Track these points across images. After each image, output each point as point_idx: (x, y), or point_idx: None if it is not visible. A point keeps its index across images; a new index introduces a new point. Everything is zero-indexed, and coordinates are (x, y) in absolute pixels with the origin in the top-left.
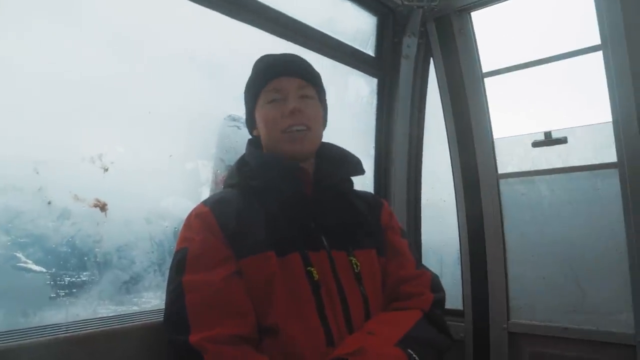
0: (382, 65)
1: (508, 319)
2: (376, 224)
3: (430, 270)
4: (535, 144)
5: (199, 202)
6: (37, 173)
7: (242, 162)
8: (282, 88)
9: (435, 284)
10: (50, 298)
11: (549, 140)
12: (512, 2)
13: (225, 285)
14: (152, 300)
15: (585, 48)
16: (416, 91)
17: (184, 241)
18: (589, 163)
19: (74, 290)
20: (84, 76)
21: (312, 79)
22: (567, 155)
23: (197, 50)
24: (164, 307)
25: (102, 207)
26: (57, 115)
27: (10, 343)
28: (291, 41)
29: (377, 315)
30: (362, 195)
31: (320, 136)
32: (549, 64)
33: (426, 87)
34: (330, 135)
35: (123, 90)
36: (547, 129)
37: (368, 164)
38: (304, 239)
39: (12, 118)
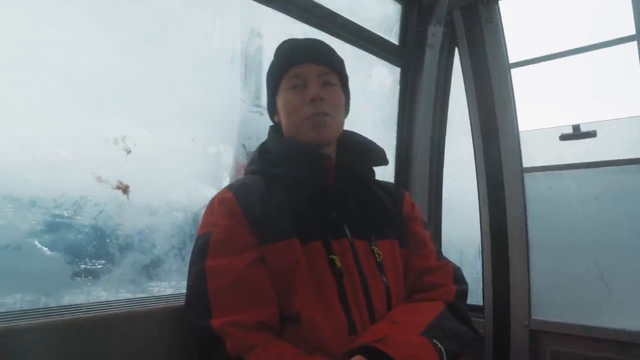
0: (405, 54)
1: (529, 316)
2: (398, 215)
3: (452, 262)
4: (563, 137)
5: (219, 187)
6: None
7: (264, 149)
8: (303, 74)
9: (458, 276)
10: (72, 278)
11: (577, 133)
12: None
13: (248, 271)
14: (172, 283)
15: (618, 38)
16: (440, 81)
17: (207, 226)
18: (619, 158)
19: (95, 272)
20: (110, 61)
21: (334, 65)
22: (595, 149)
23: (219, 34)
24: (185, 290)
25: (125, 190)
26: (82, 97)
27: (32, 321)
28: (314, 26)
29: (401, 305)
30: (384, 185)
31: (342, 123)
32: (579, 55)
33: (450, 77)
34: (352, 123)
35: (147, 75)
36: (575, 122)
37: (389, 155)
38: (326, 227)
39: (38, 100)
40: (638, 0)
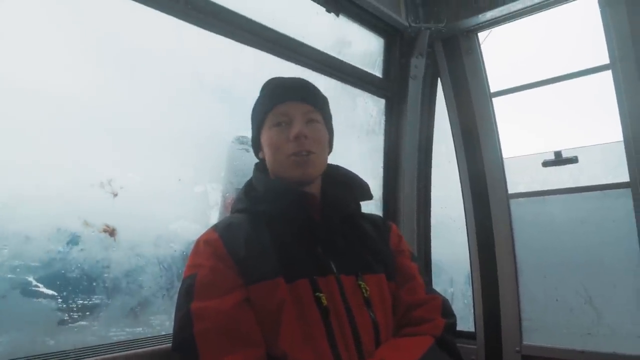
0: (389, 86)
1: (521, 342)
2: (385, 248)
3: (440, 295)
4: (546, 164)
5: (207, 226)
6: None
7: (249, 187)
8: (287, 112)
9: (446, 309)
10: (59, 324)
11: (559, 159)
12: (519, 23)
13: (235, 312)
14: (160, 325)
15: (593, 67)
16: (424, 111)
17: (192, 267)
18: (601, 183)
19: (83, 316)
20: (94, 102)
21: (318, 104)
22: (578, 174)
23: (205, 73)
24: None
25: (112, 233)
26: (66, 141)
27: None
28: (299, 64)
29: (389, 341)
30: (370, 218)
31: (325, 160)
32: (559, 83)
33: (434, 107)
34: (340, 155)
35: (132, 114)
36: (557, 149)
37: (377, 185)
38: (312, 264)
39: (22, 144)
40: (610, 32)
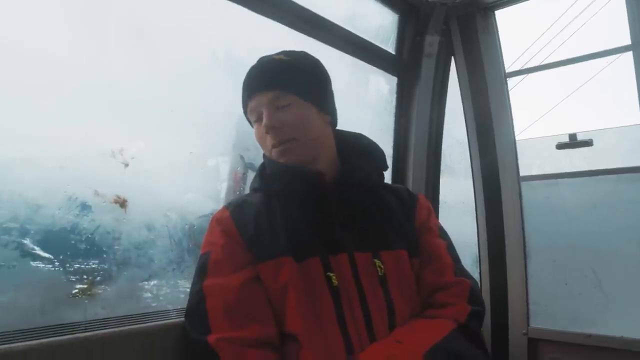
0: (402, 63)
1: (528, 325)
2: (408, 223)
3: (470, 278)
4: (560, 146)
5: (218, 199)
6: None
7: (262, 166)
8: (256, 107)
9: (473, 295)
10: (69, 296)
11: (573, 142)
12: (538, 1)
13: (243, 290)
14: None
15: (614, 48)
16: (436, 90)
17: (206, 245)
18: (616, 166)
19: (93, 288)
20: (107, 72)
21: (289, 84)
22: (593, 158)
23: (219, 46)
24: (183, 306)
25: (122, 204)
26: (79, 108)
27: (29, 342)
28: (311, 36)
29: (408, 322)
30: (395, 189)
31: (314, 138)
32: (576, 65)
33: (447, 86)
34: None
35: (145, 86)
36: (572, 131)
37: None
38: (325, 242)
39: (33, 112)
40: (633, 13)
